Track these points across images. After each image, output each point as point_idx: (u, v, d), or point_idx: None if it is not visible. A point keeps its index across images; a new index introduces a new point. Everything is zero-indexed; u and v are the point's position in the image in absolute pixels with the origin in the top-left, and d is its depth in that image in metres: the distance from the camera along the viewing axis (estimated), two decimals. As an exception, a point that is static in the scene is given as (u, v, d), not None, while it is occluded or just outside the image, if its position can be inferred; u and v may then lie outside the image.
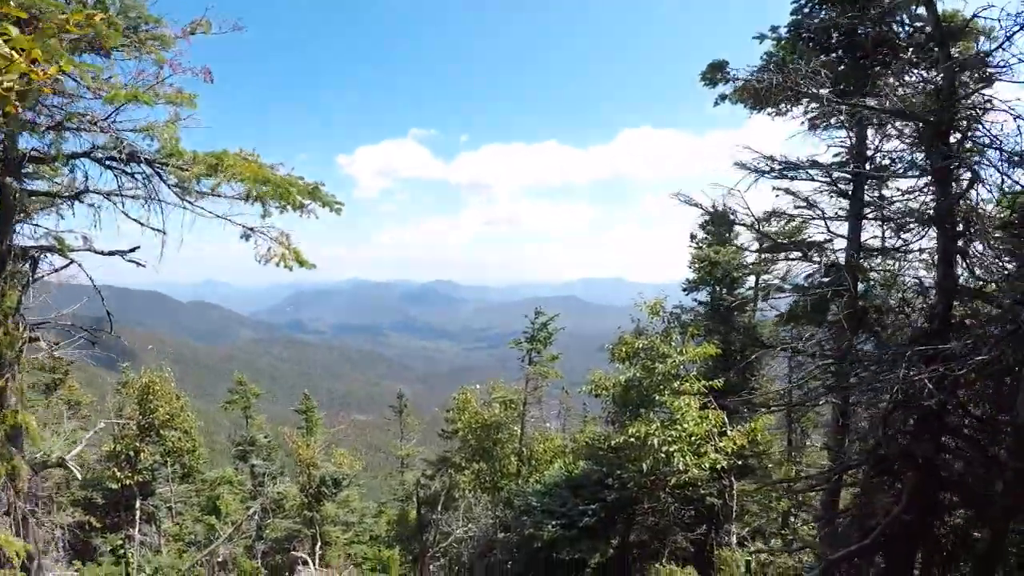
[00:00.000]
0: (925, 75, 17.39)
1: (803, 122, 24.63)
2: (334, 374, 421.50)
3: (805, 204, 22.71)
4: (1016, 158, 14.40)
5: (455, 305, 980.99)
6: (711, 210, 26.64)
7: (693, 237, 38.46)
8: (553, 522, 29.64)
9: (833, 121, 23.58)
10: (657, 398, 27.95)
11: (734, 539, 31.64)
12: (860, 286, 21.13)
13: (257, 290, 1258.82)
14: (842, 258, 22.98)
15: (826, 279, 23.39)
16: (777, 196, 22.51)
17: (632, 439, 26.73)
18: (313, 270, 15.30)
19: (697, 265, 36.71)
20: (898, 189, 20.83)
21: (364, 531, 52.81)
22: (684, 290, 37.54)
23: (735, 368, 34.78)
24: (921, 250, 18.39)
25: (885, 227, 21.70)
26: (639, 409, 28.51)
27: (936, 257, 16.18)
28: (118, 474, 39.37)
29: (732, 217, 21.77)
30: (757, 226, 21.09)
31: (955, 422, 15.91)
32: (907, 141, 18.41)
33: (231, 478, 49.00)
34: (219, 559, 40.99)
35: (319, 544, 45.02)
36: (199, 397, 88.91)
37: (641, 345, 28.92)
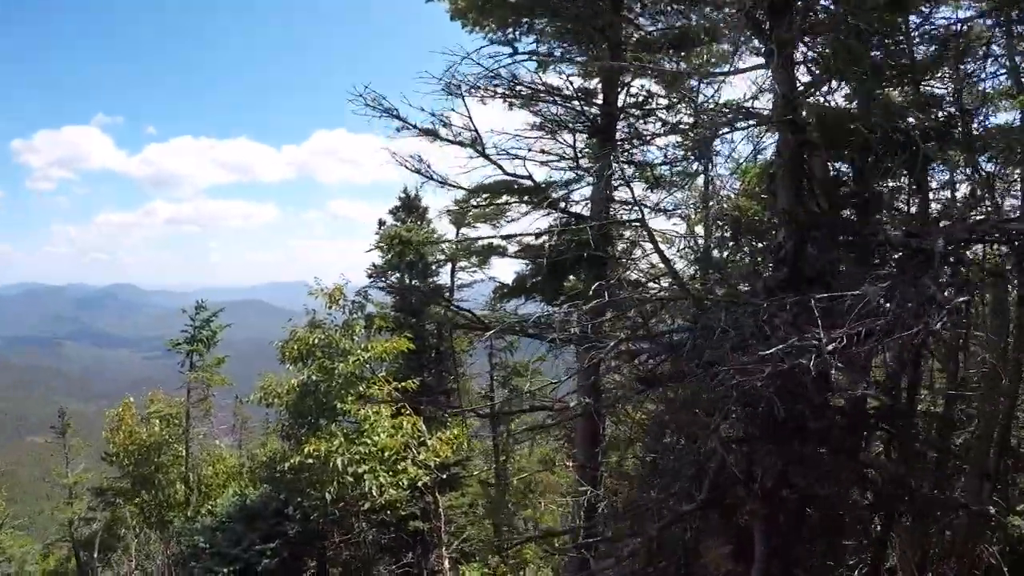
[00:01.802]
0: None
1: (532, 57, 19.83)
2: (8, 394, 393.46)
3: (551, 125, 18.20)
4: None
5: (135, 310, 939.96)
6: (407, 122, 21.96)
7: (382, 223, 34.36)
8: (226, 569, 23.84)
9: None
10: (339, 406, 22.74)
11: (446, 563, 27.36)
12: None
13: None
14: (588, 209, 18.82)
15: (565, 239, 18.87)
16: (511, 110, 18.00)
17: (311, 460, 21.43)
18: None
19: (385, 246, 31.80)
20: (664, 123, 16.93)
21: (25, 581, 44.96)
22: (369, 276, 32.60)
23: (430, 365, 30.65)
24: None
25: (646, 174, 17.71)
26: (318, 420, 23.21)
27: (780, 175, 11.66)
28: None
29: (445, 133, 16.97)
30: (480, 145, 16.38)
31: (819, 424, 11.37)
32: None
33: None
34: None
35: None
36: None
37: (316, 341, 23.62)
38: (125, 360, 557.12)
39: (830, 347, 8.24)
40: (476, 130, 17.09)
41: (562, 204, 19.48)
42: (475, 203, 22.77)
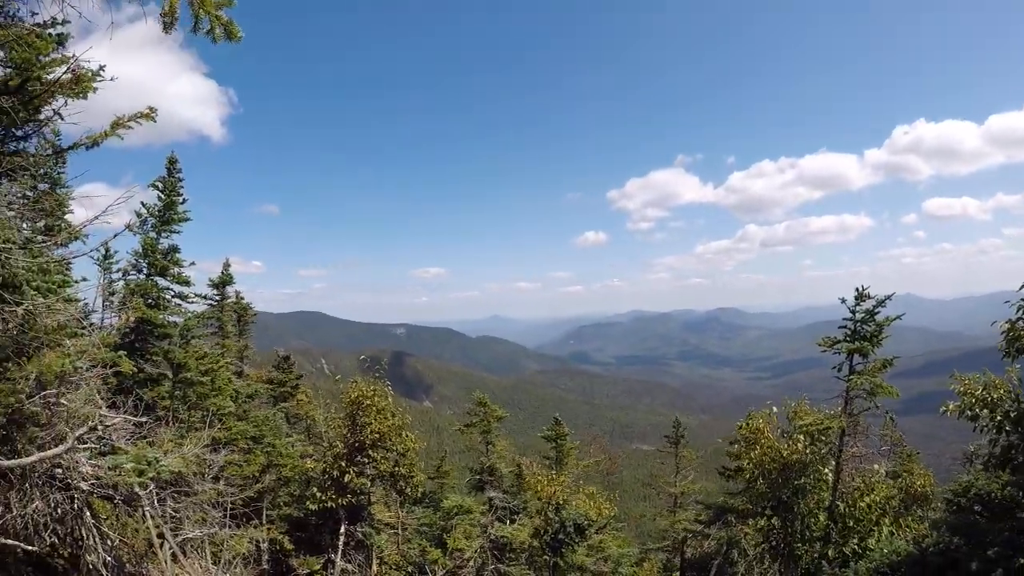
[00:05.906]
0: None
1: None
2: (617, 404, 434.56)
3: None
4: None
5: (737, 332, 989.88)
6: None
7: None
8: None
9: None
10: None
11: None
12: None
13: (541, 325, 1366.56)
14: None
15: None
16: None
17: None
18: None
19: None
20: None
21: (618, 584, 45.14)
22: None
23: None
24: None
25: None
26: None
27: None
28: (319, 495, 35.15)
29: None
30: None
31: None
32: None
33: (471, 508, 41.38)
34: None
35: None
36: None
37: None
38: (727, 379, 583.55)
39: None
40: None
41: None
42: None
